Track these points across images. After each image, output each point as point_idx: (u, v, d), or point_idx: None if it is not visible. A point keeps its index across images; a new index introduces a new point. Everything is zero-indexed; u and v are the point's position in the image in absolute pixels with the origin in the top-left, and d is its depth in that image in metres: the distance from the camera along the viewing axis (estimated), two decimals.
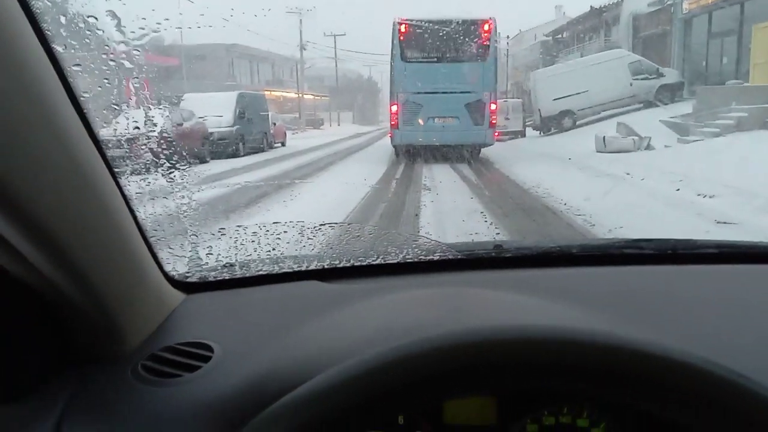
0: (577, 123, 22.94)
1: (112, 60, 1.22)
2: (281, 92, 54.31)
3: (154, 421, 0.77)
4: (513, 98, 28.88)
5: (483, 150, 16.01)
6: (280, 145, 24.36)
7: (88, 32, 1.05)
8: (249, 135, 19.01)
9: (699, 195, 8.21)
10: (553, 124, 23.37)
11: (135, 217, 0.89)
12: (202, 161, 15.34)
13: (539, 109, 23.48)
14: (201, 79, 38.52)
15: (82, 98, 0.73)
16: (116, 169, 0.83)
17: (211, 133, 16.92)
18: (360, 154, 20.11)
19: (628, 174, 10.85)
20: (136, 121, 1.48)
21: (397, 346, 0.59)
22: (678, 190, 8.78)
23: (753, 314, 1.00)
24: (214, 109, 17.80)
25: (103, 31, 1.13)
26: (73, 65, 0.79)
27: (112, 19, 1.16)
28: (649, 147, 14.88)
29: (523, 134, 25.68)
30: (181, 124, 14.87)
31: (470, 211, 7.60)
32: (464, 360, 0.58)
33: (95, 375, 0.83)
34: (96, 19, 1.07)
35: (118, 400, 0.80)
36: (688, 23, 23.73)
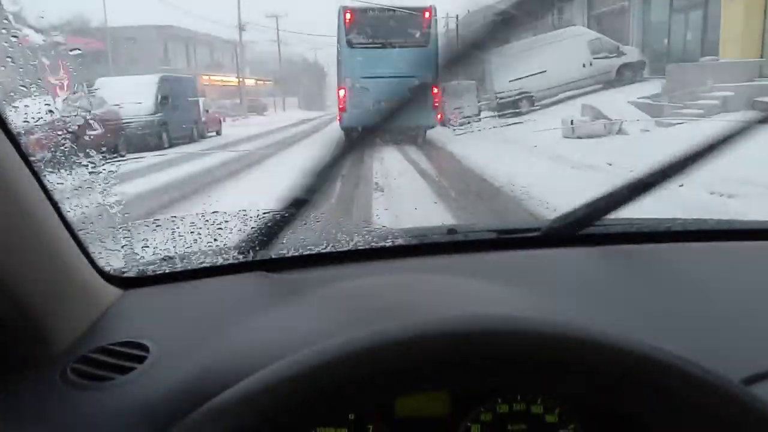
0: (536, 105, 21.55)
1: (14, 38, 1.10)
2: (221, 77, 51.45)
3: (82, 427, 0.73)
4: (466, 80, 27.29)
5: (440, 139, 14.68)
6: (214, 134, 22.15)
7: None
8: (174, 124, 16.73)
9: (713, 193, 6.70)
10: (510, 106, 21.89)
11: (59, 211, 0.85)
12: (117, 155, 13.16)
13: (495, 92, 21.93)
14: (131, 64, 35.54)
15: None
16: (32, 159, 0.78)
17: (128, 123, 14.65)
18: (303, 143, 18.19)
19: (610, 165, 9.32)
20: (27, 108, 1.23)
21: (345, 341, 0.56)
22: (681, 185, 7.24)
23: (713, 293, 1.01)
24: (131, 95, 15.49)
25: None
26: None
27: None
28: (621, 131, 13.51)
29: (477, 118, 24.19)
30: (87, 113, 12.59)
31: (438, 222, 5.84)
32: (419, 355, 0.56)
33: (21, 379, 0.78)
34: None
35: (45, 406, 0.75)
36: None
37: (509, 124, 19.32)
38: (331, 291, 0.98)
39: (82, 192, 1.26)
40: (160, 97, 16.23)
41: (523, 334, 0.56)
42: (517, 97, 21.45)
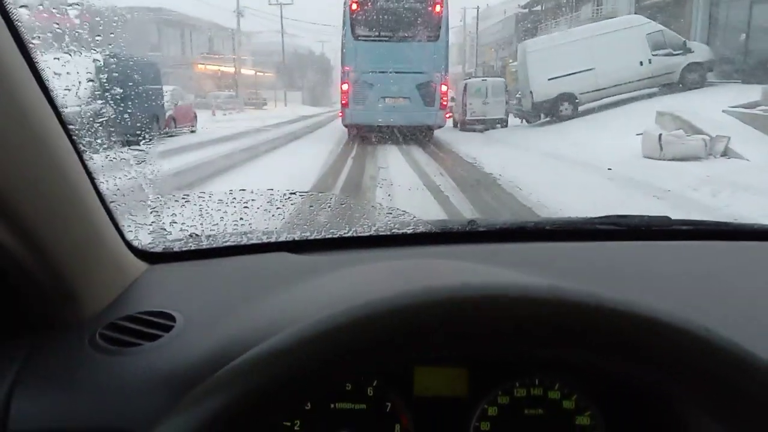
0: (579, 109, 17.58)
1: None
2: (217, 66, 47.58)
3: (110, 390, 0.75)
4: (493, 77, 23.32)
5: (469, 152, 10.98)
6: (188, 131, 18.29)
7: None
8: (121, 118, 12.85)
9: None
10: (548, 110, 17.89)
11: (95, 184, 0.87)
12: None
13: (531, 92, 17.92)
14: (114, 48, 31.75)
15: (38, 63, 0.72)
16: (72, 132, 0.80)
17: None
18: (290, 146, 14.56)
19: None
20: None
21: (357, 306, 0.55)
22: None
23: (723, 288, 1.01)
24: (62, 81, 11.63)
25: None
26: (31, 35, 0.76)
27: None
28: (728, 153, 9.59)
29: (504, 123, 20.22)
30: None
31: None
32: (432, 317, 0.54)
33: (50, 342, 0.80)
34: None
35: (74, 368, 0.77)
36: None
37: (549, 129, 15.52)
38: (351, 271, 0.97)
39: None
40: (99, 82, 12.32)
41: (547, 299, 0.55)
42: (557, 99, 17.48)
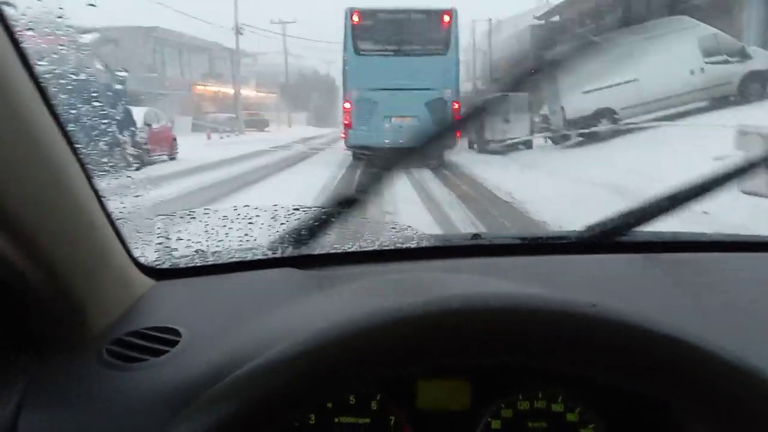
0: (621, 125, 15.07)
1: None
2: (217, 87, 45.70)
3: (117, 405, 0.76)
4: (514, 92, 20.96)
5: (510, 190, 8.69)
6: (166, 158, 16.00)
7: None
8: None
9: None
10: (583, 127, 15.37)
11: (101, 201, 0.87)
12: None
13: (562, 107, 15.44)
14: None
15: (41, 80, 0.72)
16: (80, 149, 0.81)
17: None
18: (276, 178, 12.32)
19: None
20: None
21: (348, 321, 0.57)
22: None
23: (726, 300, 1.00)
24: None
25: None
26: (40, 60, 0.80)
27: None
28: None
29: (529, 144, 17.72)
30: None
31: None
32: (429, 329, 0.55)
33: (57, 359, 0.81)
34: None
35: (81, 384, 0.78)
36: None
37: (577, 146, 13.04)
38: (356, 285, 0.99)
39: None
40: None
41: (552, 311, 0.55)
42: (593, 115, 14.96)
